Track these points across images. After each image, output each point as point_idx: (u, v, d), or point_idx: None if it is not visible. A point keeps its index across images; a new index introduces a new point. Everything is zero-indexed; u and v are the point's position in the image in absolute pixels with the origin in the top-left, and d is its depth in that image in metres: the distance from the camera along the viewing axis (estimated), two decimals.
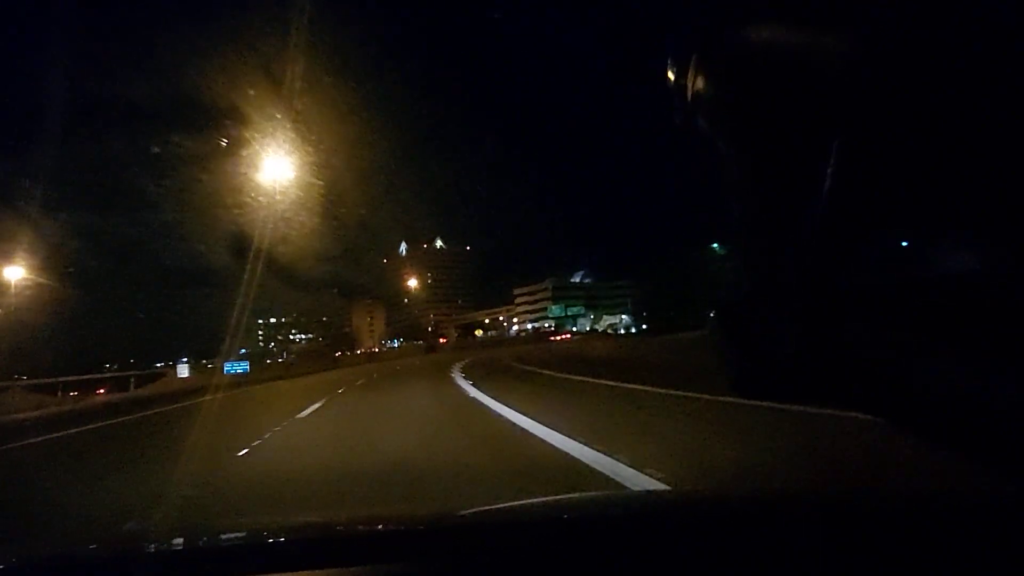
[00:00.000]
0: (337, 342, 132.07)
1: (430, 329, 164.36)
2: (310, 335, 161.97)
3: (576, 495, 3.28)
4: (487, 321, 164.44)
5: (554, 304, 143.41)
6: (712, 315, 0.54)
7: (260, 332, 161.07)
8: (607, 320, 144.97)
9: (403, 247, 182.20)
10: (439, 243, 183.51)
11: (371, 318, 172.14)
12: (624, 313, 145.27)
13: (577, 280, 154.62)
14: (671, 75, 0.53)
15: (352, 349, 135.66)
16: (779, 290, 0.49)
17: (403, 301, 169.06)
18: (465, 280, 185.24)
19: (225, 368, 60.22)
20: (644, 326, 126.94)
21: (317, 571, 0.99)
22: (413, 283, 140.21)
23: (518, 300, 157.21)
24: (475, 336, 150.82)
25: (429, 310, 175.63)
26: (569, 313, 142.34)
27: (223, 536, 1.48)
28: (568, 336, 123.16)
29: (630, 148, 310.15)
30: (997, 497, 0.90)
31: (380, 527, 1.41)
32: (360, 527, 1.43)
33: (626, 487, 4.31)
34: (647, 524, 1.24)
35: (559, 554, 1.02)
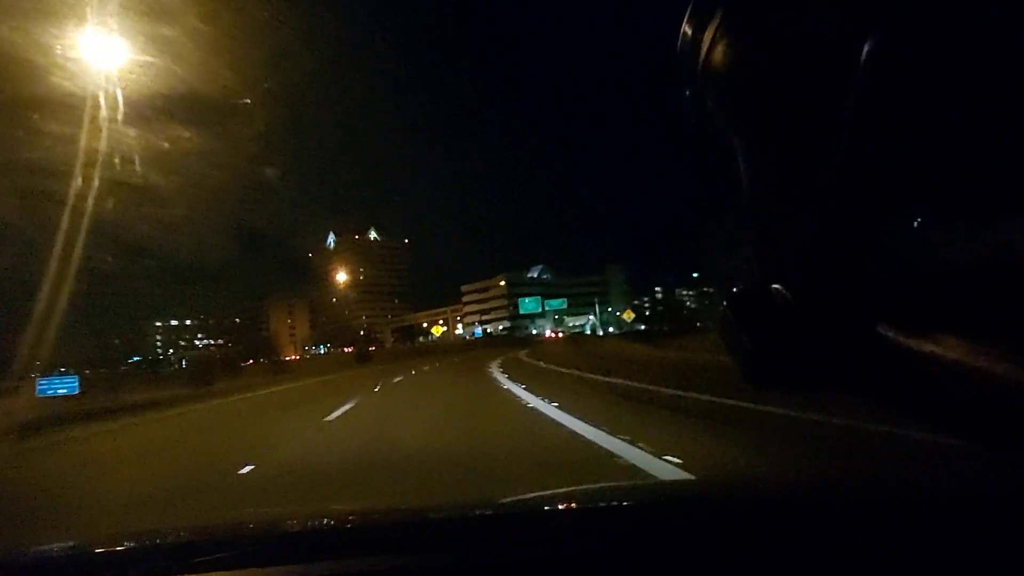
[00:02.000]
0: (252, 348, 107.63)
1: (362, 333, 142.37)
2: (219, 340, 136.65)
3: (604, 484, 3.42)
4: (431, 323, 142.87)
5: (525, 299, 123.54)
6: (723, 305, 0.53)
7: (159, 336, 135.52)
8: (571, 321, 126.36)
9: (331, 238, 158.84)
10: (373, 234, 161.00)
11: (292, 320, 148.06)
12: (590, 314, 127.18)
13: (535, 275, 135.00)
14: (688, 31, 0.49)
15: (270, 356, 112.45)
16: (792, 279, 0.49)
17: (331, 301, 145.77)
18: (404, 277, 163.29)
19: (39, 388, 37.47)
20: (642, 327, 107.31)
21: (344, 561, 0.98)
22: (343, 277, 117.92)
23: (466, 298, 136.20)
24: (416, 340, 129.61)
25: (361, 311, 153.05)
26: (547, 308, 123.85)
27: (226, 529, 1.46)
28: (555, 336, 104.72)
29: (595, 132, 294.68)
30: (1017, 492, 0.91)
31: (403, 519, 1.40)
32: (378, 518, 1.43)
33: None
34: (674, 513, 1.24)
35: (589, 544, 1.01)
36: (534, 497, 1.59)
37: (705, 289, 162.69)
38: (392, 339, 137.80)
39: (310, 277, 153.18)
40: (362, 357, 64.99)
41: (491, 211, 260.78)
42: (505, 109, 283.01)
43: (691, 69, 0.51)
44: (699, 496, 1.53)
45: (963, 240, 0.40)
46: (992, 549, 0.82)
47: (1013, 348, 0.34)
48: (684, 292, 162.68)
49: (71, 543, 1.37)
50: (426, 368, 32.70)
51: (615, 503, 1.49)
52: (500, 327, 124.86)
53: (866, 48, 0.37)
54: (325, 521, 1.42)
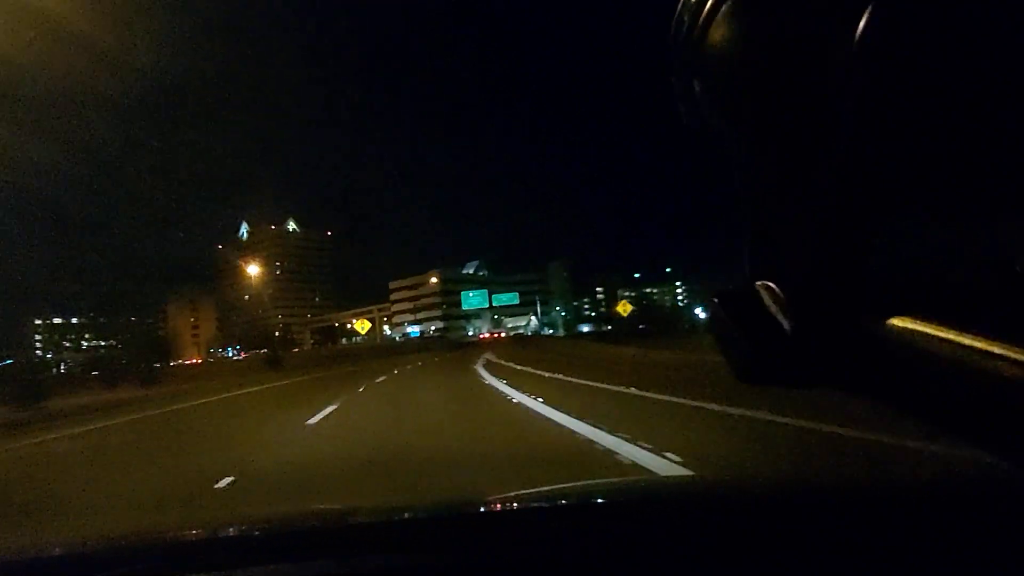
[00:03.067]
0: (147, 351, 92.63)
1: (277, 334, 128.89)
2: (111, 341, 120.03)
3: (600, 481, 3.43)
4: (355, 323, 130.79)
5: (469, 293, 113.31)
6: (714, 301, 0.53)
7: (38, 336, 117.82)
8: (511, 322, 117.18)
9: (244, 228, 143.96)
10: (292, 225, 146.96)
11: (196, 318, 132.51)
12: (531, 313, 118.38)
13: (471, 272, 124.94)
14: (686, 8, 0.47)
15: (177, 359, 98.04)
16: (784, 274, 0.48)
17: (243, 298, 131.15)
18: (326, 273, 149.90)
19: None
20: (585, 328, 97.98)
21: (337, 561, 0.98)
22: (256, 271, 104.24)
23: (395, 296, 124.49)
24: (339, 342, 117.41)
25: (277, 309, 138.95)
26: (495, 303, 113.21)
27: (230, 528, 1.45)
28: (496, 337, 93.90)
29: (535, 120, 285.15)
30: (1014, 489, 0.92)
31: (399, 516, 1.43)
32: (377, 517, 1.44)
33: None
34: (672, 510, 1.26)
35: (587, 541, 1.02)
36: (524, 494, 1.57)
37: (647, 290, 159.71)
38: (312, 340, 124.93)
39: (220, 271, 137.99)
40: (272, 362, 53.28)
41: (423, 205, 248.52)
42: (434, 95, 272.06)
43: (684, 51, 0.49)
44: (694, 493, 1.53)
45: (963, 238, 0.39)
46: (991, 549, 0.83)
47: (1012, 345, 0.34)
48: (625, 293, 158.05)
49: (58, 545, 1.35)
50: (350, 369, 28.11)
51: (606, 500, 1.49)
52: (432, 327, 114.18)
53: (865, 40, 0.36)
54: (309, 521, 1.41)
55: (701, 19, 0.46)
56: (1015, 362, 0.33)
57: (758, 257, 0.51)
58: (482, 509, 1.41)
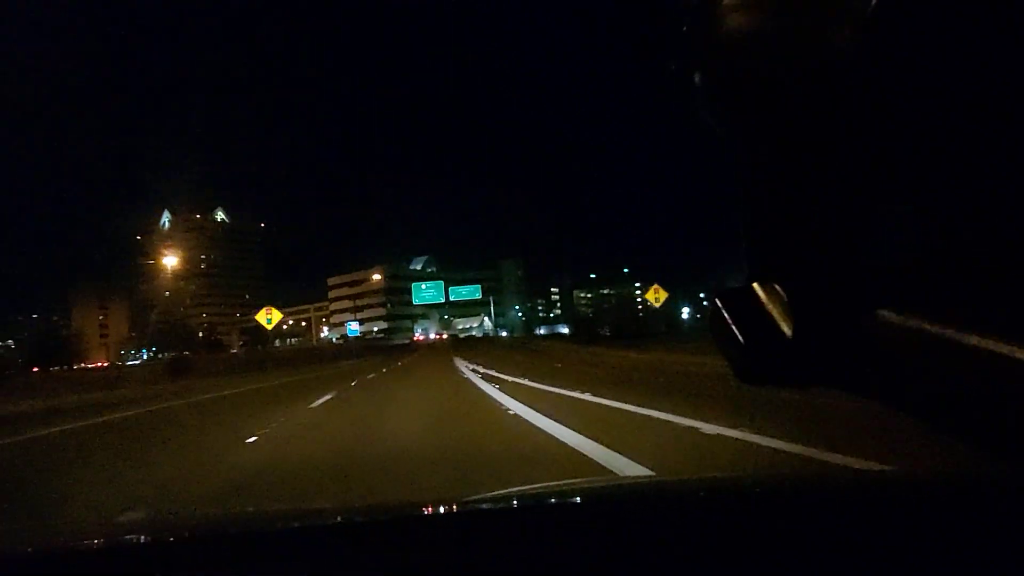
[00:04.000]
0: (46, 351, 79.18)
1: (201, 335, 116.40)
2: (8, 341, 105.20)
3: (577, 480, 3.48)
4: (258, 315, 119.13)
5: (421, 285, 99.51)
6: (714, 300, 0.52)
7: None
8: (462, 323, 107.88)
9: (166, 217, 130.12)
10: (221, 215, 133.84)
11: (106, 317, 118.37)
12: (484, 314, 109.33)
13: (418, 267, 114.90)
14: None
15: (81, 361, 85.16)
16: (784, 271, 0.47)
17: (163, 294, 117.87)
18: (259, 268, 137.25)
19: None
20: (541, 330, 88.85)
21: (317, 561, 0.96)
22: (168, 261, 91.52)
23: (334, 293, 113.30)
24: (270, 344, 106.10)
25: (202, 308, 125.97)
26: (455, 297, 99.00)
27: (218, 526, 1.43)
28: (440, 337, 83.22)
29: (487, 108, 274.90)
30: (999, 487, 0.92)
31: (378, 516, 1.41)
32: (358, 517, 1.44)
33: None
34: (634, 509, 1.25)
35: (547, 541, 1.02)
36: (506, 493, 1.56)
37: (604, 292, 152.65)
38: (240, 342, 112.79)
39: (135, 265, 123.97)
40: (177, 369, 42.53)
41: (367, 197, 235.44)
42: (377, 82, 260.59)
43: (686, 42, 0.47)
44: (672, 492, 1.52)
45: (961, 229, 0.38)
46: (984, 547, 0.83)
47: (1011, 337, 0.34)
48: (582, 295, 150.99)
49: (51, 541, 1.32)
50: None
51: (590, 499, 1.48)
52: (375, 328, 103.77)
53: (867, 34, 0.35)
54: (298, 521, 1.38)
55: (707, 10, 0.45)
56: (1010, 358, 0.32)
57: (757, 256, 0.50)
58: (459, 508, 1.39)
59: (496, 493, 1.61)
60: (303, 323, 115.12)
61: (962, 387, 0.36)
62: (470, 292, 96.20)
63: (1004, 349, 0.33)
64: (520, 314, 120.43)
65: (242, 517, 1.61)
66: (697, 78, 0.48)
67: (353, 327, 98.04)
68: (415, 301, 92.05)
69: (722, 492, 1.40)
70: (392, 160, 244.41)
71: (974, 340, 0.34)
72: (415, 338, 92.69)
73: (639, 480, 3.15)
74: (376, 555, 0.97)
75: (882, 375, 0.42)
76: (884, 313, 0.40)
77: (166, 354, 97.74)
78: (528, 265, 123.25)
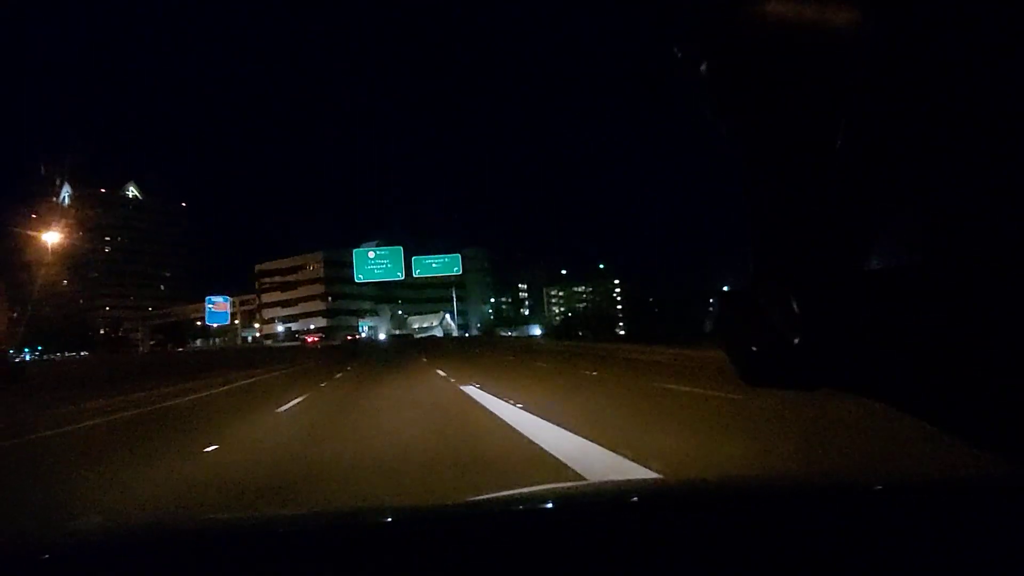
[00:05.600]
0: None
1: (103, 331, 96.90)
2: None
3: (571, 484, 3.49)
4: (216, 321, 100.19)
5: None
6: (718, 300, 0.51)
7: None
8: (418, 322, 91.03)
9: (66, 191, 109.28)
10: (132, 191, 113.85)
11: None
12: (444, 311, 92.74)
13: (368, 255, 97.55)
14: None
15: None
16: (788, 273, 0.47)
17: (61, 282, 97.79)
18: (179, 255, 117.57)
19: None
20: (509, 332, 71.83)
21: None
22: (51, 238, 72.85)
23: (265, 282, 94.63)
24: (189, 343, 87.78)
25: (106, 299, 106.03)
26: (421, 273, 64.09)
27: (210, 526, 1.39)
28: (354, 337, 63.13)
29: (443, 82, 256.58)
30: (999, 486, 0.91)
31: (375, 519, 1.41)
32: (348, 520, 1.43)
33: None
34: (641, 513, 1.26)
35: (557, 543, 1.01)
36: (502, 496, 1.59)
37: (577, 289, 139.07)
38: (152, 341, 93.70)
39: (19, 246, 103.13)
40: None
41: (308, 176, 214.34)
42: (324, 38, 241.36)
43: (695, 37, 0.46)
44: (671, 495, 1.51)
45: (961, 233, 0.36)
46: (984, 548, 0.82)
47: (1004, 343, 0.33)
48: (553, 293, 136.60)
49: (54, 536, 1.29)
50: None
51: (585, 502, 1.47)
52: (311, 326, 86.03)
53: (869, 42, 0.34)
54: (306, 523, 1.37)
55: (718, 6, 0.45)
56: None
57: (761, 256, 0.49)
58: (462, 511, 1.39)
59: (495, 495, 1.60)
60: (235, 320, 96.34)
61: (960, 386, 0.36)
62: (444, 266, 62.92)
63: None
64: (491, 312, 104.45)
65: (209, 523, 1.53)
66: (704, 66, 0.47)
67: (282, 327, 80.00)
68: (359, 277, 61.08)
69: (726, 494, 1.40)
70: (340, 133, 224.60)
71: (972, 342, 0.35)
72: (349, 337, 73.11)
73: (645, 483, 3.18)
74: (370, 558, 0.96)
75: (883, 374, 0.42)
76: (885, 312, 0.40)
77: (62, 354, 78.71)
78: (492, 259, 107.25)
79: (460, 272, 42.44)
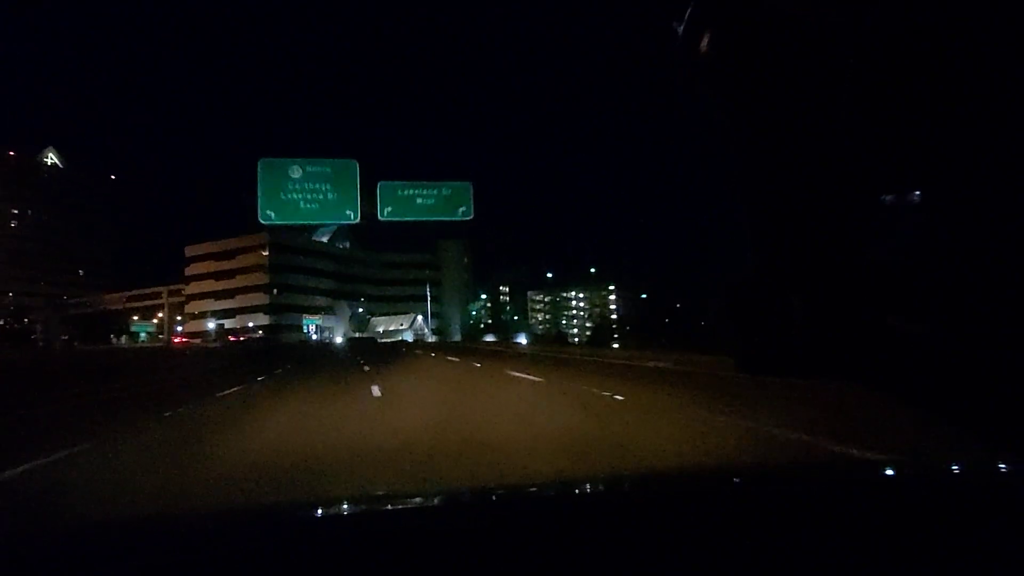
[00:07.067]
0: None
1: (5, 322, 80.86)
2: None
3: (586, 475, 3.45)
4: (138, 311, 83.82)
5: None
6: (720, 294, 0.47)
7: None
8: (383, 324, 76.03)
9: None
10: (52, 157, 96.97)
11: None
12: (416, 312, 77.81)
13: (324, 240, 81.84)
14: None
15: None
16: (786, 267, 0.43)
17: None
18: (103, 234, 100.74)
19: None
20: (489, 337, 57.86)
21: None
22: None
23: (195, 269, 78.08)
24: (111, 340, 71.73)
25: (12, 283, 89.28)
26: (391, 214, 21.08)
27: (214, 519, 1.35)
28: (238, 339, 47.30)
29: (415, 55, 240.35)
30: (996, 479, 0.90)
31: (387, 506, 1.41)
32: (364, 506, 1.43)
33: None
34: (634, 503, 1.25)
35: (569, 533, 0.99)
36: (521, 485, 1.65)
37: (564, 295, 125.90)
38: (64, 336, 77.38)
39: None
40: None
41: (253, 146, 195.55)
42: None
43: (689, 54, 0.41)
44: (682, 484, 1.50)
45: (958, 227, 0.41)
46: (980, 537, 0.82)
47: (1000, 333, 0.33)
48: (537, 297, 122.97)
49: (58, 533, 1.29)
50: None
51: (600, 493, 1.47)
52: (251, 323, 70.23)
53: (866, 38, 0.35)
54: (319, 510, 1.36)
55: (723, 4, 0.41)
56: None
57: (760, 251, 0.49)
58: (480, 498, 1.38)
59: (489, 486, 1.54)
60: (159, 314, 79.98)
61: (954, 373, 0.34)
62: (440, 204, 22.23)
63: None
64: (472, 313, 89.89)
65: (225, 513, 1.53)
66: (705, 42, 0.44)
67: (210, 324, 64.12)
68: (267, 216, 20.18)
69: (720, 482, 1.40)
70: (299, 94, 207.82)
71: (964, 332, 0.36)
72: (232, 338, 60.52)
73: (639, 472, 3.14)
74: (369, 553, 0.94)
75: (881, 364, 0.44)
76: (877, 304, 0.39)
77: None
78: (471, 255, 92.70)
79: (471, 216, 17.37)
